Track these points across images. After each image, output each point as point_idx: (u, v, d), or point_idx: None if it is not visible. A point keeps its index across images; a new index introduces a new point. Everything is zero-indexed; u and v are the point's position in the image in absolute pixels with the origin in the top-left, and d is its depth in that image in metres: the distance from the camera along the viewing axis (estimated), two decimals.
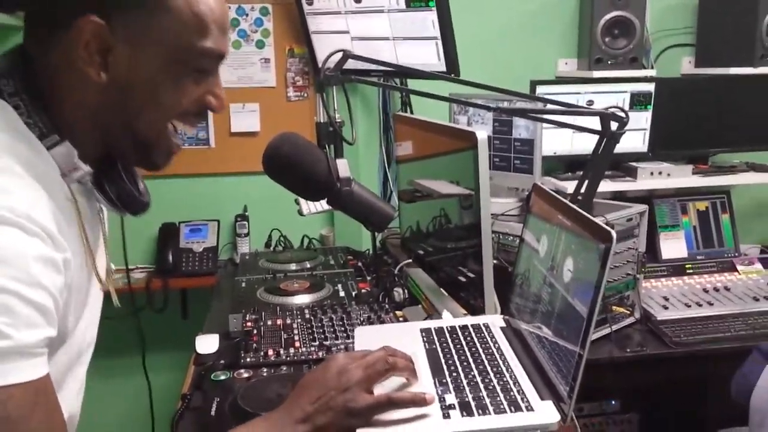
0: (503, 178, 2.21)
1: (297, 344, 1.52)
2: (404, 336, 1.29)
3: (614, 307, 1.87)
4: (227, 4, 2.46)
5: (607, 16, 2.44)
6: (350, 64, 1.57)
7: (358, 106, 2.55)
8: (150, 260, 2.61)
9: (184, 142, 2.56)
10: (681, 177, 2.43)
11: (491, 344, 1.24)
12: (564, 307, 1.07)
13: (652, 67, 2.60)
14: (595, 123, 1.70)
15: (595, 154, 1.74)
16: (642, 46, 2.51)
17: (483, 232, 1.41)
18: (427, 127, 1.77)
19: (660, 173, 2.42)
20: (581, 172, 1.83)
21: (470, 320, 1.37)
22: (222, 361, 1.47)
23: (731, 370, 1.57)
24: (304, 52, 2.54)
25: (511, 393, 1.05)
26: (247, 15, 2.54)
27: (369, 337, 1.31)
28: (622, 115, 1.67)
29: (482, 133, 1.39)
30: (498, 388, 1.06)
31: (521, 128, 2.15)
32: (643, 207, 1.90)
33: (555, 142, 2.39)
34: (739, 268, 2.27)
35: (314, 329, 1.59)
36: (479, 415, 0.99)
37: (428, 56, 2.12)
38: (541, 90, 2.40)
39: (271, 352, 1.49)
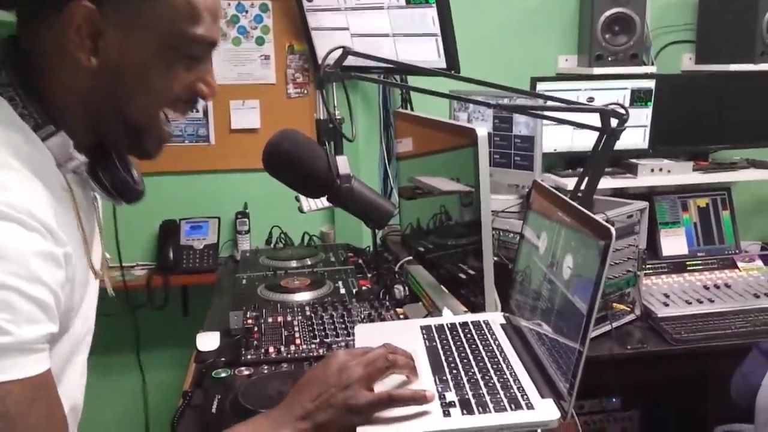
0: (503, 174, 2.21)
1: (298, 341, 1.52)
2: (404, 333, 1.29)
3: (615, 305, 1.87)
4: (228, 1, 2.48)
5: (608, 13, 2.44)
6: (350, 60, 1.57)
7: (358, 103, 2.54)
8: (150, 257, 2.61)
9: (184, 139, 2.56)
10: (681, 174, 2.43)
11: (491, 341, 1.24)
12: (564, 304, 1.07)
13: (653, 64, 2.60)
14: (595, 120, 1.70)
15: (595, 150, 1.74)
16: (642, 43, 2.51)
17: (483, 229, 1.41)
18: (427, 124, 1.77)
19: (660, 170, 2.42)
20: (581, 169, 1.83)
21: (470, 317, 1.37)
22: (223, 359, 1.47)
23: (732, 366, 1.58)
24: (304, 48, 2.53)
25: (512, 390, 1.05)
26: (246, 12, 2.54)
27: (369, 335, 1.31)
28: (623, 111, 1.67)
29: (482, 130, 1.39)
30: (498, 386, 1.06)
31: (521, 125, 2.15)
32: (644, 204, 1.90)
33: (555, 138, 2.39)
34: (739, 264, 2.27)
35: (315, 326, 1.60)
36: (479, 413, 0.99)
37: (428, 53, 2.11)
38: (541, 87, 2.40)
39: (271, 349, 1.49)
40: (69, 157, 0.86)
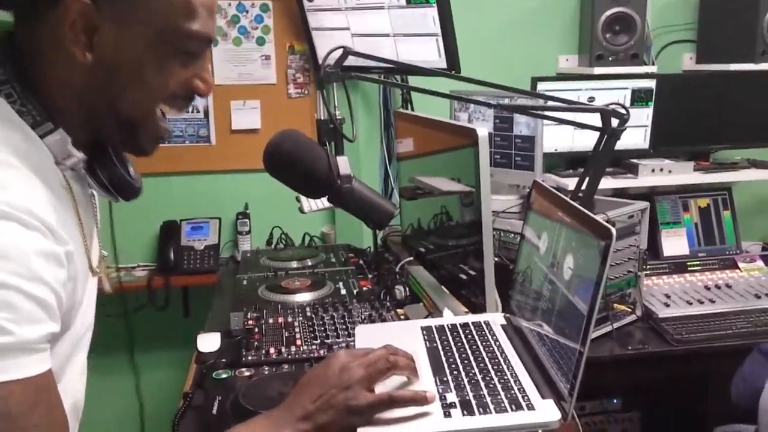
0: (504, 175, 2.20)
1: (298, 342, 1.52)
2: (405, 334, 1.29)
3: (616, 305, 1.87)
4: (229, 1, 2.48)
5: (608, 13, 2.44)
6: (351, 60, 1.57)
7: (358, 103, 2.54)
8: (151, 258, 2.61)
9: (185, 139, 2.56)
10: (682, 174, 2.43)
11: (492, 342, 1.24)
12: (564, 305, 1.07)
13: (653, 64, 2.60)
14: (596, 120, 1.70)
15: (596, 150, 1.74)
16: (643, 43, 2.51)
17: (484, 229, 1.41)
18: (427, 124, 1.77)
19: (661, 170, 2.42)
20: (582, 169, 1.83)
21: (471, 318, 1.37)
22: (223, 360, 1.47)
23: (732, 367, 1.57)
24: (305, 49, 2.53)
25: (512, 391, 1.04)
26: (247, 12, 2.54)
27: (370, 335, 1.31)
28: (623, 111, 1.67)
29: (483, 130, 1.39)
30: (499, 387, 1.06)
31: (522, 125, 2.14)
32: (645, 204, 1.90)
33: (556, 138, 2.39)
34: (740, 265, 2.27)
35: (315, 327, 1.59)
36: (480, 413, 0.99)
37: (429, 53, 2.11)
38: (542, 87, 2.40)
39: (272, 350, 1.49)
40: (67, 154, 0.86)
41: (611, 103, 1.70)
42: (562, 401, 1.00)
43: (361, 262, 2.15)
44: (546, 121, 2.07)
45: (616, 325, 1.83)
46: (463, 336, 1.27)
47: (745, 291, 2.11)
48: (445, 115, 2.34)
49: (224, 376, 1.40)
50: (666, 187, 2.46)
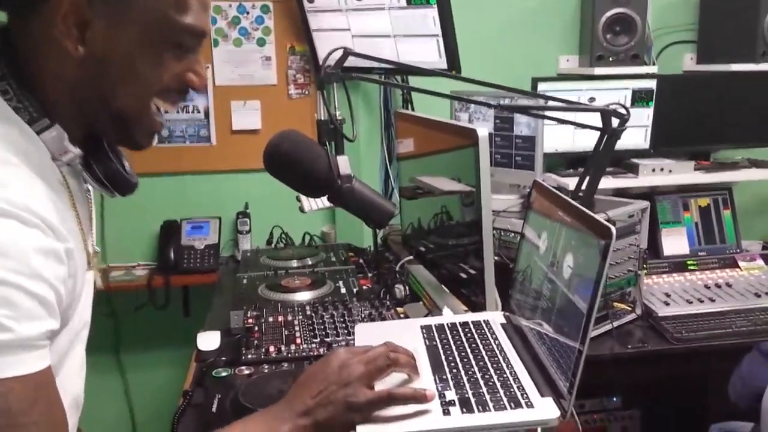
0: (504, 174, 2.21)
1: (298, 341, 1.52)
2: (405, 332, 1.29)
3: (616, 304, 1.87)
4: (229, 2, 2.48)
5: (609, 13, 2.44)
6: (351, 61, 1.57)
7: (359, 104, 2.55)
8: (152, 257, 2.61)
9: (186, 139, 2.56)
10: (683, 173, 2.43)
11: (491, 341, 1.24)
12: (564, 303, 1.07)
13: (654, 64, 2.60)
14: (596, 120, 1.70)
15: (596, 150, 1.74)
16: (643, 43, 2.51)
17: (484, 228, 1.41)
18: (428, 124, 1.77)
19: (662, 170, 2.42)
20: (583, 169, 1.83)
21: (471, 317, 1.37)
22: (223, 358, 1.48)
23: (732, 366, 1.57)
24: (305, 49, 2.54)
25: (511, 389, 1.05)
26: (248, 13, 2.54)
27: (370, 334, 1.31)
28: (624, 111, 1.67)
29: (483, 130, 1.39)
30: (498, 385, 1.06)
31: (522, 125, 2.15)
32: (645, 203, 1.90)
33: (556, 139, 2.39)
34: (740, 264, 2.27)
35: (315, 326, 1.60)
36: (479, 411, 0.99)
37: (429, 53, 2.12)
38: (542, 87, 2.40)
39: (272, 348, 1.49)
40: (64, 150, 0.86)
41: (612, 104, 1.70)
42: (562, 399, 1.01)
43: (361, 261, 2.15)
44: (546, 121, 2.07)
45: (616, 323, 1.83)
46: (462, 334, 1.27)
47: (745, 290, 2.11)
48: (445, 115, 2.34)
49: (224, 374, 1.41)
50: (666, 187, 2.45)
